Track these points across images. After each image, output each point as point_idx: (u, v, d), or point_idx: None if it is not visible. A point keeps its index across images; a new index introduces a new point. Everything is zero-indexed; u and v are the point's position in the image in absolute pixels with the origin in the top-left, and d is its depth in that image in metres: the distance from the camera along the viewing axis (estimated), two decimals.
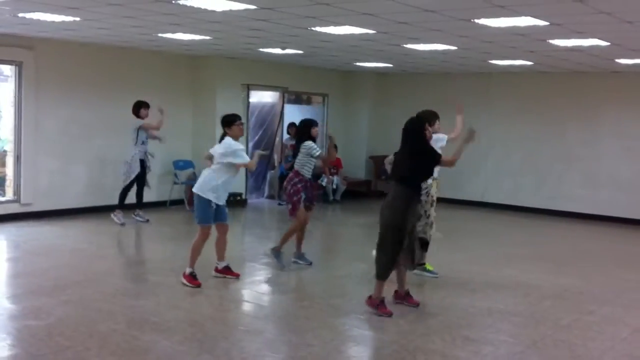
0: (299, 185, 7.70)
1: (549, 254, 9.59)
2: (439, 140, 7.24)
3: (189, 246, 7.07)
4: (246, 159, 6.94)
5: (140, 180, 10.47)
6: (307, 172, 7.76)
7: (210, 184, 6.87)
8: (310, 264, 8.05)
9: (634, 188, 12.25)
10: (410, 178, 6.15)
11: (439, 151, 6.82)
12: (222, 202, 7.01)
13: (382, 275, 6.17)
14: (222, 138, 7.07)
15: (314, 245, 9.63)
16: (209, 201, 6.86)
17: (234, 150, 6.85)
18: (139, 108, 10.32)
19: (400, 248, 6.13)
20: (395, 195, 6.15)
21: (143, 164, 10.38)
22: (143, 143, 10.33)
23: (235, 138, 6.99)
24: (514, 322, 6.21)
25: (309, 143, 7.68)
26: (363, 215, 12.20)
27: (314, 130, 7.78)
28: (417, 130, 6.15)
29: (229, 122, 7.02)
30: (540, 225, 12.07)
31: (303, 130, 7.81)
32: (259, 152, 7.34)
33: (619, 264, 9.12)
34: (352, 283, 7.32)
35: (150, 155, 10.59)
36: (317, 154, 7.67)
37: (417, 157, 6.13)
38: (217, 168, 6.92)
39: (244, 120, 12.65)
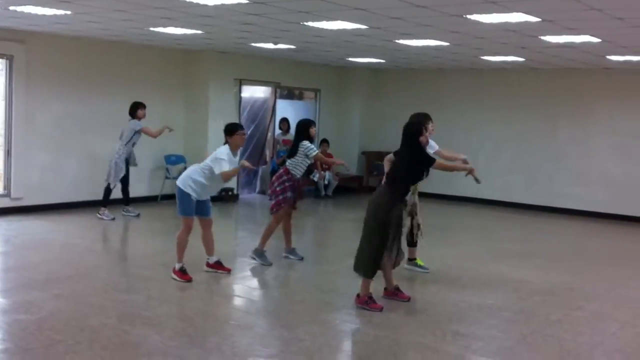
0: (287, 184, 7.68)
1: (540, 250, 9.63)
2: (429, 147, 7.28)
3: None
4: (222, 168, 6.81)
5: (125, 178, 10.49)
6: (298, 173, 7.74)
7: (191, 179, 6.88)
8: (302, 259, 8.06)
9: (624, 185, 12.31)
10: (400, 179, 6.19)
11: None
12: (203, 198, 7.01)
13: (367, 273, 6.19)
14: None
15: (306, 240, 9.64)
16: (189, 194, 6.88)
17: (217, 158, 6.83)
18: (136, 109, 10.30)
19: (384, 246, 6.16)
20: (384, 192, 6.21)
21: (126, 162, 10.38)
22: (133, 145, 10.33)
23: (235, 147, 6.96)
24: (504, 317, 6.24)
25: (306, 143, 7.66)
26: (355, 210, 12.17)
27: (312, 130, 7.75)
28: (413, 135, 6.20)
29: (231, 131, 6.98)
30: (532, 222, 12.11)
31: (301, 130, 7.78)
32: (244, 162, 7.14)
33: (609, 260, 9.18)
34: (344, 278, 7.32)
35: (133, 164, 10.51)
36: (314, 154, 7.66)
37: (411, 161, 6.19)
38: (204, 167, 6.91)
39: (236, 114, 12.84)
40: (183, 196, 6.91)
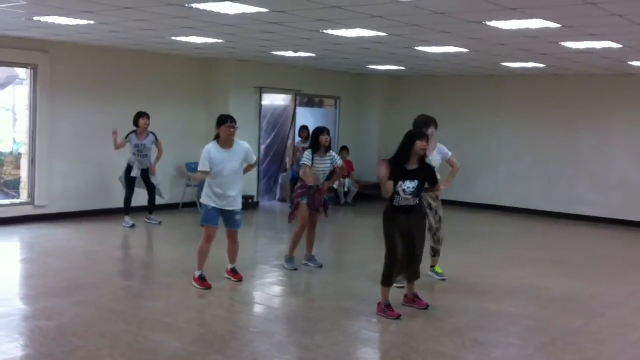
0: (299, 191, 7.84)
1: (559, 257, 9.54)
2: (440, 152, 7.28)
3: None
4: (198, 168, 6.87)
5: (150, 187, 10.62)
6: (310, 180, 7.79)
7: (205, 187, 6.97)
8: (321, 266, 8.08)
9: None
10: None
11: (437, 163, 6.94)
12: (225, 206, 6.97)
13: (382, 280, 6.23)
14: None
15: (325, 247, 9.65)
16: (206, 203, 6.96)
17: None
18: (138, 118, 10.45)
19: (393, 254, 6.13)
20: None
21: (130, 170, 10.44)
22: (134, 154, 10.41)
23: (224, 140, 6.85)
24: (523, 325, 6.20)
25: (305, 152, 7.79)
26: (374, 217, 12.10)
27: (323, 138, 7.77)
28: (401, 144, 6.19)
29: (219, 123, 6.91)
30: (551, 229, 12.02)
31: (312, 138, 7.90)
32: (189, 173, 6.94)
33: (629, 267, 9.08)
34: (363, 285, 7.34)
35: (134, 173, 10.46)
36: (301, 163, 7.79)
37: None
38: None
39: (256, 122, 12.90)
40: (202, 205, 7.05)
